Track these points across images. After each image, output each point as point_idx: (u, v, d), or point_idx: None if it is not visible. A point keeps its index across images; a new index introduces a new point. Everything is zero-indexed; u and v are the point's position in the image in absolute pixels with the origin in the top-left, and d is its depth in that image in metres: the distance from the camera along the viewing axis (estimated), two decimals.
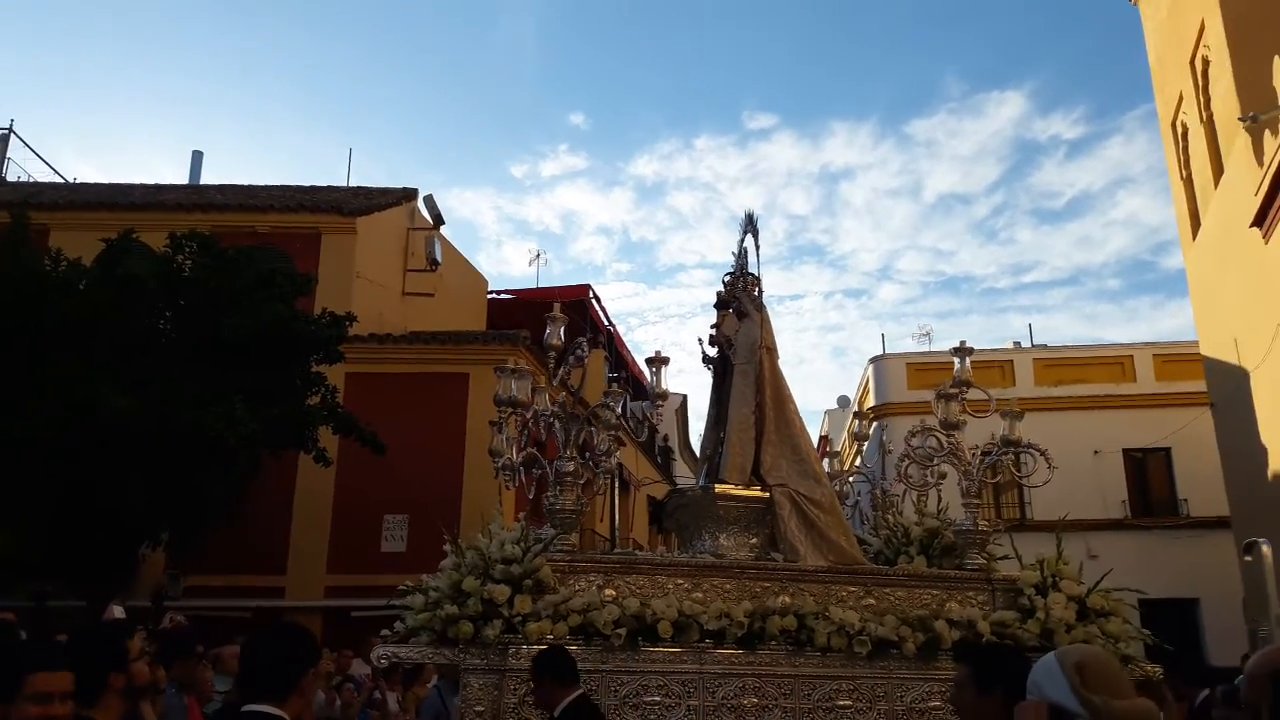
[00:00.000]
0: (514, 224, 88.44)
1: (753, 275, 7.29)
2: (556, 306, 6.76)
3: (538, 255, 36.12)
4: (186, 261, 12.88)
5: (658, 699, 5.52)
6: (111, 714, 3.48)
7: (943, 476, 6.99)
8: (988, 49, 72.41)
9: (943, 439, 6.65)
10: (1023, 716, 2.27)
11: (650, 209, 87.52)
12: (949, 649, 5.82)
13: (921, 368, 23.72)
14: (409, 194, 21.00)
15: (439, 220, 21.20)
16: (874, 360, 25.16)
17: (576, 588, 5.68)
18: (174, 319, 12.72)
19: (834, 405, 35.15)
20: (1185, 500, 21.62)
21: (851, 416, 26.74)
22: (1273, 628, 11.53)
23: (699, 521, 6.60)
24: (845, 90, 78.59)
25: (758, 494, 6.52)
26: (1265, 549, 11.92)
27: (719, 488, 6.50)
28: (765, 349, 6.96)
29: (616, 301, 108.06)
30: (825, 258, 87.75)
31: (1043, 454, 6.35)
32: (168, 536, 13.19)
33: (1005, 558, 6.62)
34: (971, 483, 6.48)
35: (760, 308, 7.15)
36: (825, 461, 9.17)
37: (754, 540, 6.50)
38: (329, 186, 21.23)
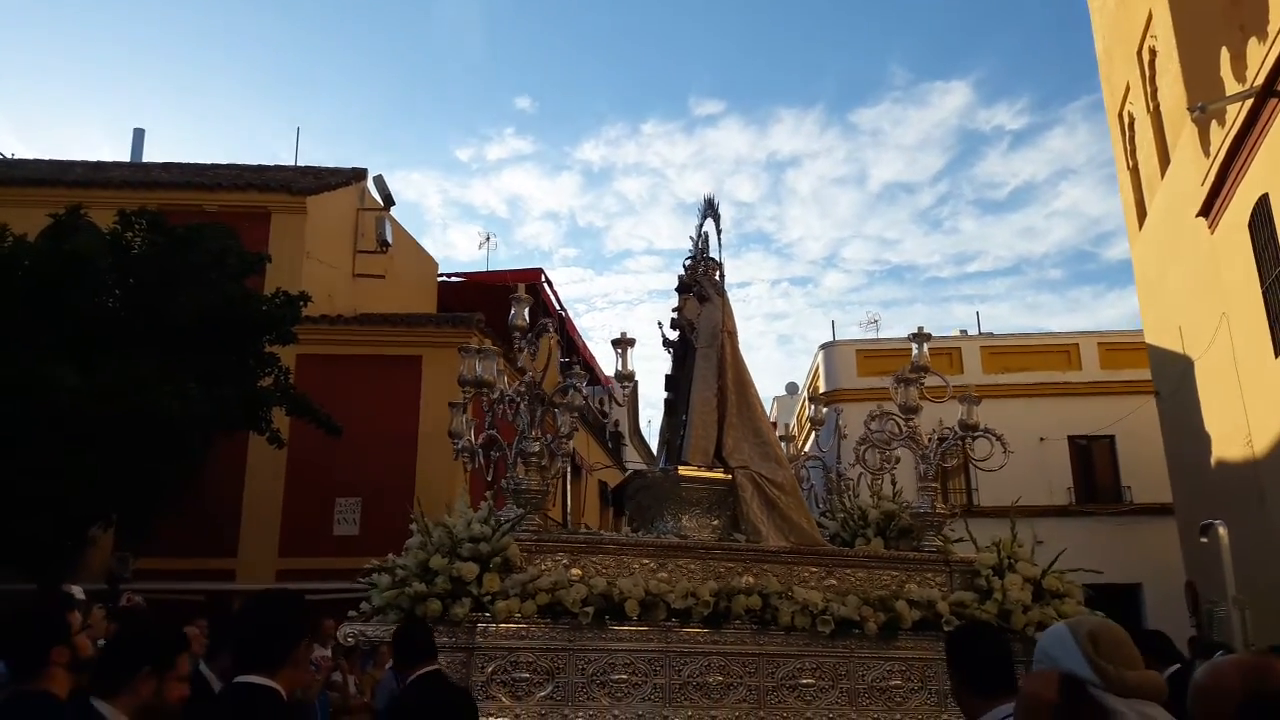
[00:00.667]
0: (460, 208, 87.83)
1: (714, 260, 7.34)
2: (521, 287, 6.76)
3: (488, 239, 36.13)
4: (136, 239, 12.60)
5: (624, 677, 5.57)
6: (59, 686, 3.40)
7: (897, 461, 7.09)
8: (932, 38, 73.16)
9: (901, 423, 6.73)
10: (1032, 685, 2.27)
11: (597, 194, 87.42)
12: (908, 628, 5.92)
13: (870, 355, 23.97)
14: (359, 174, 20.73)
15: (389, 201, 20.95)
16: (824, 347, 25.36)
17: (543, 567, 5.69)
18: (124, 297, 12.44)
19: (782, 392, 35.38)
20: (1129, 487, 22.05)
21: (804, 401, 26.99)
22: (1229, 608, 11.83)
23: (661, 503, 6.64)
24: (792, 78, 79.00)
25: (720, 476, 6.57)
26: (1221, 530, 12.21)
27: (682, 470, 6.54)
28: (727, 333, 7.01)
29: (564, 287, 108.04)
30: (772, 245, 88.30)
31: (999, 439, 6.45)
32: (117, 518, 12.94)
33: (960, 540, 6.74)
34: (929, 466, 6.57)
35: (721, 292, 7.22)
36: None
37: (716, 522, 6.57)
38: (278, 166, 20.89)
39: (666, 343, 7.23)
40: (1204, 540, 12.95)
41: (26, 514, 11.24)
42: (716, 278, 7.23)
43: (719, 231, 7.27)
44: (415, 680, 4.38)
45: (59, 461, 10.94)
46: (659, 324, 7.21)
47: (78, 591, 10.67)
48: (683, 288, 7.17)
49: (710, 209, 7.36)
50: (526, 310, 6.63)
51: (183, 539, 14.77)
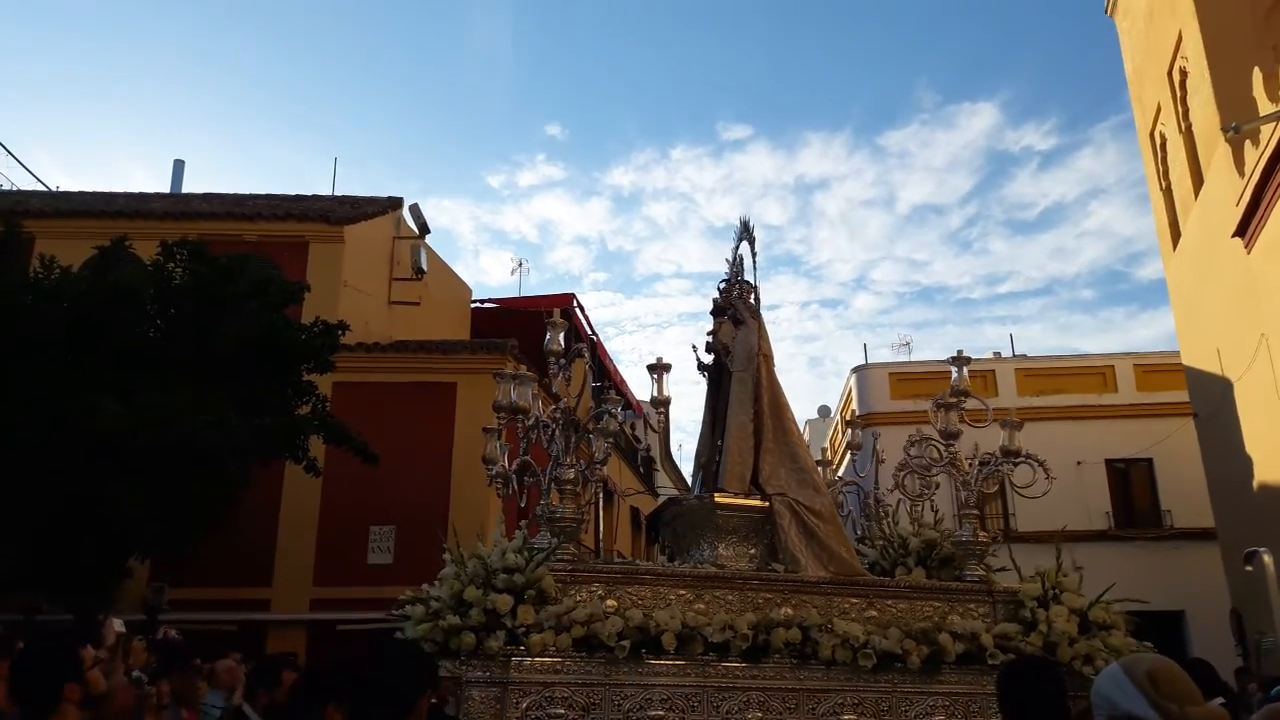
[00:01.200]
0: (491, 234, 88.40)
1: (748, 282, 7.28)
2: (556, 312, 6.73)
3: (519, 264, 36.06)
4: (177, 270, 12.77)
5: (661, 714, 5.45)
6: None
7: (937, 486, 6.99)
8: (960, 60, 73.06)
9: (941, 449, 6.65)
10: None
11: (627, 219, 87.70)
12: (951, 662, 5.82)
13: (903, 377, 23.83)
14: (394, 203, 20.91)
15: (424, 229, 21.11)
16: (856, 370, 25.24)
17: (578, 598, 5.62)
18: (165, 327, 12.59)
19: (814, 415, 35.19)
20: (1169, 511, 21.71)
21: (838, 425, 26.87)
22: (1278, 637, 11.59)
23: (697, 531, 6.55)
24: (819, 101, 79.07)
25: (757, 503, 6.48)
26: (1267, 559, 11.97)
27: (719, 497, 6.45)
28: (763, 356, 6.95)
29: (594, 311, 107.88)
30: (801, 268, 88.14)
31: (1041, 464, 6.35)
32: (155, 548, 13.04)
33: (1003, 569, 6.63)
34: (970, 493, 6.47)
35: (756, 315, 7.14)
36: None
37: (753, 550, 6.46)
38: (315, 195, 21.10)
39: (701, 366, 7.16)
40: (1249, 569, 12.71)
41: (68, 542, 11.36)
42: (751, 301, 7.16)
43: (754, 254, 7.20)
44: None
45: (100, 490, 11.06)
46: (693, 347, 7.16)
47: (118, 624, 10.75)
48: (717, 311, 7.10)
49: (745, 232, 7.28)
50: (561, 335, 6.60)
51: (218, 569, 14.86)
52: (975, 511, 6.52)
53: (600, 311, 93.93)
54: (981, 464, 6.51)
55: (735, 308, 7.02)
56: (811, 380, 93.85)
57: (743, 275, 7.22)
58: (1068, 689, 3.21)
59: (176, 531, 12.42)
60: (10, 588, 11.69)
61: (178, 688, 5.87)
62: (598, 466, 6.14)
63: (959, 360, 6.83)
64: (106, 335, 11.75)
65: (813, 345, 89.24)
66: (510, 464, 6.66)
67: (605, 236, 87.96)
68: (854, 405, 25.04)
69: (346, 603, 15.27)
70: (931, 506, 6.99)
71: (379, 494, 16.01)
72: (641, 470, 26.50)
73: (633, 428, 22.86)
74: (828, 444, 26.12)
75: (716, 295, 7.15)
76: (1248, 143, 14.37)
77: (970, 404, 6.90)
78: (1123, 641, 6.03)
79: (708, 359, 7.11)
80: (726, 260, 7.26)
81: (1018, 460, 6.45)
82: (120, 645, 9.72)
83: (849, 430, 8.39)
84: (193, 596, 15.07)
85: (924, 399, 7.12)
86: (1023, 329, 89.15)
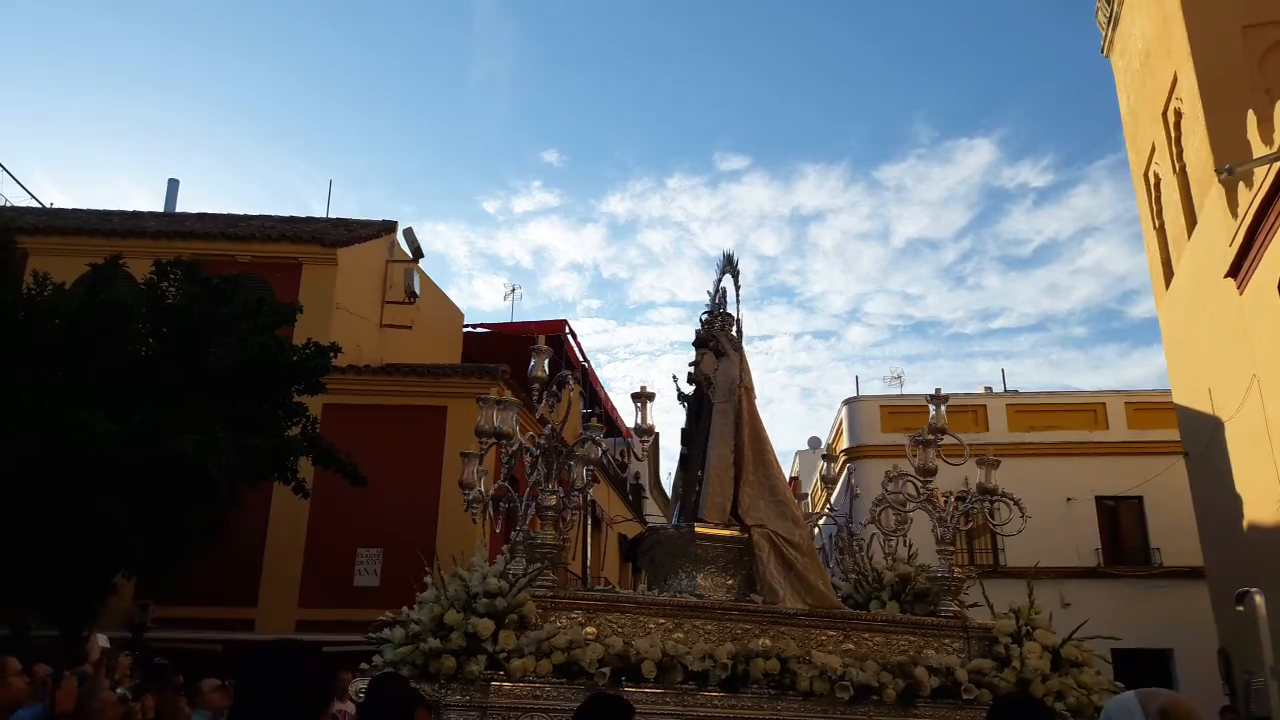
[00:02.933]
0: (485, 259, 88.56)
1: (730, 315, 7.32)
2: (541, 339, 6.75)
3: (513, 290, 36.01)
4: (171, 289, 12.79)
5: None
6: None
7: (910, 522, 7.00)
8: (958, 96, 73.54)
9: (918, 485, 6.67)
10: None
11: (621, 246, 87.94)
12: (927, 696, 5.82)
13: (895, 410, 23.83)
14: (389, 226, 20.98)
15: (418, 253, 21.19)
16: (848, 402, 25.25)
17: (559, 625, 5.64)
18: (157, 346, 12.60)
19: (804, 446, 35.16)
20: (1158, 549, 21.69)
21: (820, 459, 26.85)
22: (1268, 678, 11.54)
23: (675, 560, 6.58)
24: (817, 134, 79.50)
25: (736, 534, 6.51)
26: (1258, 599, 11.92)
27: (699, 527, 6.48)
28: (744, 388, 6.98)
29: (587, 338, 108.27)
30: (795, 299, 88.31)
31: (1016, 503, 6.37)
32: (141, 565, 12.98)
33: (975, 605, 6.64)
34: (946, 529, 6.49)
35: (738, 347, 7.19)
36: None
37: (731, 581, 6.49)
38: (309, 217, 21.19)
39: (682, 397, 7.19)
40: (1240, 608, 12.67)
41: (55, 558, 11.32)
42: (734, 333, 7.20)
43: (738, 287, 7.27)
44: None
45: (89, 506, 11.04)
46: (674, 378, 7.20)
47: (103, 639, 10.70)
48: (700, 342, 7.15)
49: (729, 264, 7.35)
50: (546, 362, 6.62)
51: (203, 587, 14.79)
52: (951, 547, 6.53)
53: (593, 338, 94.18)
54: (959, 499, 6.53)
55: (717, 339, 7.07)
56: (803, 412, 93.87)
57: (725, 307, 7.27)
58: None
59: (164, 550, 12.39)
60: None
61: (160, 707, 5.86)
62: (577, 493, 6.14)
63: (936, 398, 6.87)
64: (98, 353, 11.76)
65: (805, 376, 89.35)
66: (490, 489, 6.66)
67: (599, 264, 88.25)
68: (844, 437, 25.03)
69: (332, 624, 15.17)
70: (905, 541, 7.00)
71: (367, 516, 15.97)
72: (631, 498, 26.44)
73: (622, 455, 22.83)
74: (817, 476, 26.16)
75: (699, 327, 7.19)
76: (1241, 184, 14.47)
77: (953, 441, 6.92)
78: (1093, 679, 6.05)
79: (688, 389, 7.14)
80: (708, 292, 7.31)
81: (994, 498, 6.46)
82: (105, 661, 9.69)
83: (825, 465, 8.35)
84: (178, 614, 14.99)
85: (915, 432, 7.13)
86: (1015, 365, 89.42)
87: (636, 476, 27.33)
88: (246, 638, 15.58)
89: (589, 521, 22.70)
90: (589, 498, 22.61)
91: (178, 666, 8.67)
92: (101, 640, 8.64)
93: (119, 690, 6.94)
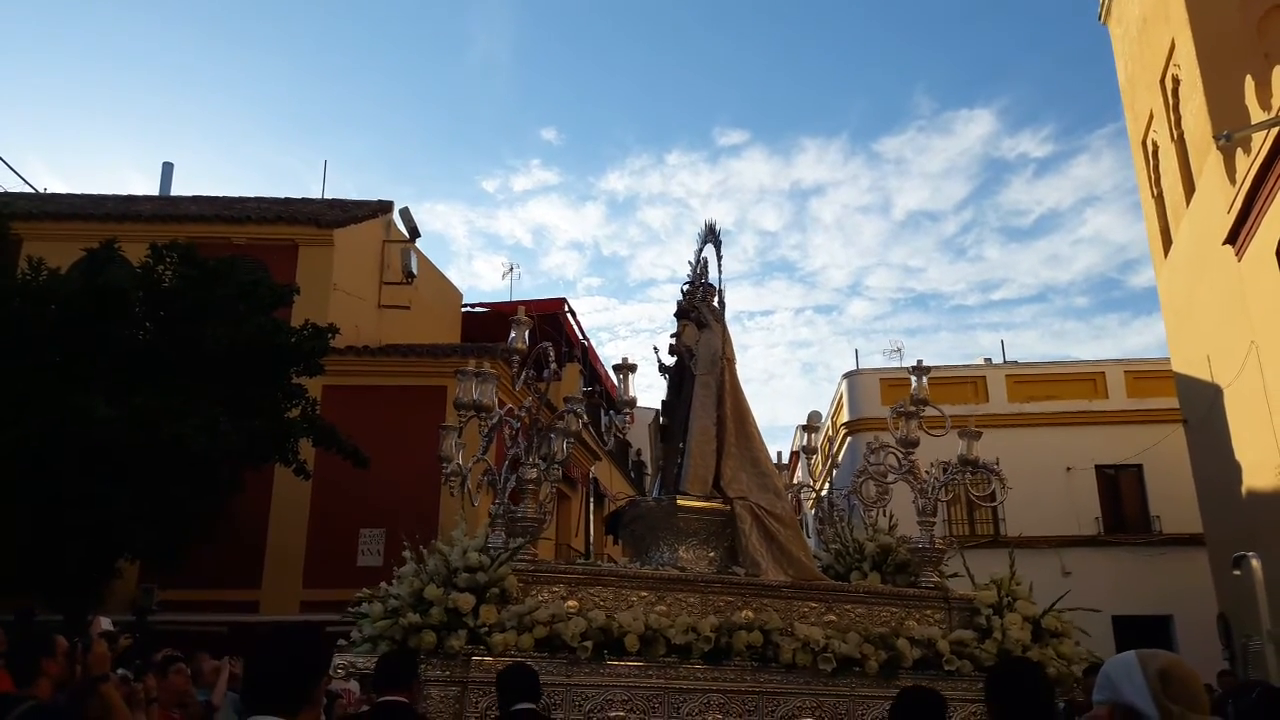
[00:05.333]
0: (485, 238, 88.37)
1: (711, 285, 7.26)
2: (521, 310, 6.75)
3: (511, 269, 36.19)
4: (167, 272, 12.81)
5: (622, 715, 5.50)
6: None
7: (892, 495, 7.01)
8: (957, 67, 72.95)
9: (900, 456, 6.68)
10: None
11: (621, 224, 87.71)
12: (909, 667, 5.86)
13: (895, 383, 23.78)
14: (385, 206, 20.95)
15: (415, 233, 21.17)
16: (848, 376, 25.25)
17: (540, 599, 5.65)
18: (155, 330, 12.63)
19: (805, 420, 35.12)
20: (1158, 517, 21.70)
21: (826, 431, 26.87)
22: (1265, 641, 11.62)
23: (657, 533, 6.58)
24: (816, 107, 78.99)
25: (719, 506, 6.51)
26: (1256, 563, 11.99)
27: (681, 500, 6.47)
28: (726, 360, 6.95)
29: (588, 316, 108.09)
30: (796, 274, 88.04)
31: (997, 474, 6.39)
32: (145, 550, 13.07)
33: (955, 575, 6.67)
34: (927, 501, 6.51)
35: (720, 318, 7.12)
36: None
37: (713, 554, 6.49)
38: (305, 199, 21.16)
39: (663, 368, 7.15)
40: (1237, 573, 12.74)
41: (57, 544, 11.40)
42: (715, 303, 7.17)
43: (719, 258, 7.18)
44: (375, 710, 4.35)
45: (91, 492, 11.10)
46: (654, 349, 7.16)
47: (105, 622, 10.76)
48: (681, 313, 7.08)
49: (711, 234, 7.27)
50: (527, 333, 6.61)
51: (207, 570, 14.88)
52: (932, 518, 6.56)
53: (594, 317, 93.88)
54: (944, 468, 6.54)
55: (699, 310, 7.01)
56: (805, 386, 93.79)
57: (706, 278, 7.23)
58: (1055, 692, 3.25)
59: (167, 534, 12.46)
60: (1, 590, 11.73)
61: (165, 691, 5.93)
62: (557, 466, 6.14)
63: (918, 370, 6.86)
64: (95, 338, 11.79)
65: (807, 351, 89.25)
66: (468, 462, 6.63)
67: (599, 241, 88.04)
68: (845, 411, 25.05)
69: (336, 605, 15.22)
70: (884, 512, 7.01)
71: (369, 496, 16.03)
72: (633, 474, 26.52)
73: (623, 432, 22.86)
74: (795, 447, 26.19)
75: (680, 298, 7.15)
76: (1239, 150, 14.39)
77: (955, 411, 6.93)
78: (1072, 650, 6.08)
79: (669, 361, 7.12)
80: (689, 262, 7.26)
81: (975, 470, 6.47)
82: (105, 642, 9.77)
83: (803, 435, 8.32)
84: (182, 598, 15.11)
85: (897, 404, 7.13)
86: (1016, 335, 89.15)
87: (639, 453, 27.41)
88: (251, 619, 15.71)
89: (591, 498, 22.78)
90: (591, 475, 22.76)
91: (183, 649, 8.76)
92: (104, 623, 8.69)
93: (119, 671, 7.01)
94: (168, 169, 24.23)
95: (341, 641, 5.69)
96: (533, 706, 4.51)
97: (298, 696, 2.54)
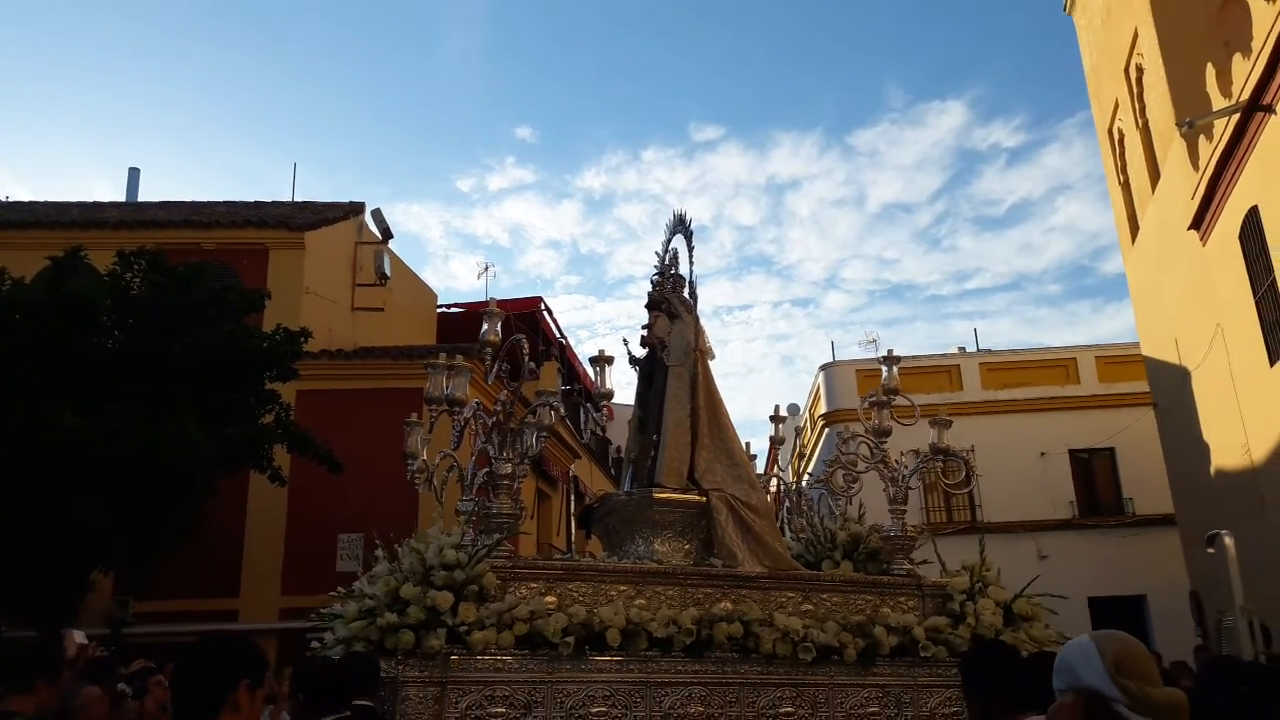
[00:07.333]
0: (461, 238, 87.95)
1: (681, 276, 7.23)
2: (492, 301, 6.68)
3: (486, 268, 35.96)
4: (135, 279, 12.67)
5: (604, 710, 5.50)
6: None
7: (862, 485, 7.05)
8: (928, 59, 73.22)
9: (871, 445, 6.72)
10: (1058, 718, 2.27)
11: (599, 221, 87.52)
12: (886, 654, 5.91)
13: (870, 374, 23.92)
14: (356, 208, 20.81)
15: (387, 234, 21.06)
16: (824, 368, 25.39)
17: (518, 595, 5.62)
18: (124, 338, 12.49)
19: (784, 413, 35.30)
20: (1130, 499, 21.95)
21: (806, 422, 27.00)
22: (1238, 617, 11.79)
23: (632, 526, 6.56)
24: (790, 102, 79.05)
25: (694, 498, 6.50)
26: (1228, 540, 12.15)
27: (657, 492, 6.46)
28: (699, 351, 6.94)
29: (566, 314, 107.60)
30: (773, 268, 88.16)
31: (966, 461, 6.46)
32: (119, 562, 12.94)
33: (925, 562, 6.74)
34: (899, 489, 6.56)
35: (691, 310, 7.07)
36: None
37: (688, 545, 6.48)
38: (275, 202, 20.99)
39: (633, 360, 7.12)
40: (1210, 550, 12.92)
41: (30, 556, 11.27)
42: (686, 295, 7.14)
43: (690, 248, 7.12)
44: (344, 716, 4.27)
45: (61, 504, 10.97)
46: (624, 341, 7.11)
47: (79, 635, 10.66)
48: (652, 305, 7.04)
49: (680, 225, 7.23)
50: (499, 325, 6.54)
51: (184, 580, 14.75)
52: (903, 507, 6.61)
53: (573, 315, 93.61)
54: (917, 454, 6.60)
55: (670, 301, 6.97)
56: (784, 379, 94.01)
57: (677, 269, 7.21)
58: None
59: (141, 545, 12.34)
60: None
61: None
62: (525, 462, 6.09)
63: (889, 359, 6.91)
64: (63, 347, 11.64)
65: (785, 344, 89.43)
66: (437, 458, 6.58)
67: (577, 239, 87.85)
68: (821, 403, 25.18)
69: (317, 611, 15.17)
70: (851, 502, 7.05)
71: (346, 501, 15.94)
72: (613, 471, 26.52)
73: (603, 428, 22.87)
74: (798, 441, 26.29)
75: (650, 289, 7.11)
76: (1202, 137, 14.59)
77: (930, 400, 6.99)
78: (1043, 633, 6.15)
79: (640, 353, 7.08)
80: (656, 253, 7.23)
81: (946, 457, 6.53)
82: (81, 657, 9.67)
83: (773, 426, 8.34)
84: (159, 609, 14.96)
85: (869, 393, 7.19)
86: (990, 324, 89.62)
87: (619, 450, 27.42)
88: (230, 628, 15.60)
89: (572, 496, 22.77)
90: (571, 473, 22.73)
91: (158, 661, 8.68)
92: (78, 636, 8.59)
93: (120, 686, 6.98)
94: (134, 174, 23.98)
95: (314, 643, 5.65)
96: (369, 704, 4.39)
97: (214, 702, 2.59)
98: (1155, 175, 17.31)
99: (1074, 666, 2.30)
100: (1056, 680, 2.36)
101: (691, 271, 7.09)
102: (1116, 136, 19.52)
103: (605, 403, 6.29)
